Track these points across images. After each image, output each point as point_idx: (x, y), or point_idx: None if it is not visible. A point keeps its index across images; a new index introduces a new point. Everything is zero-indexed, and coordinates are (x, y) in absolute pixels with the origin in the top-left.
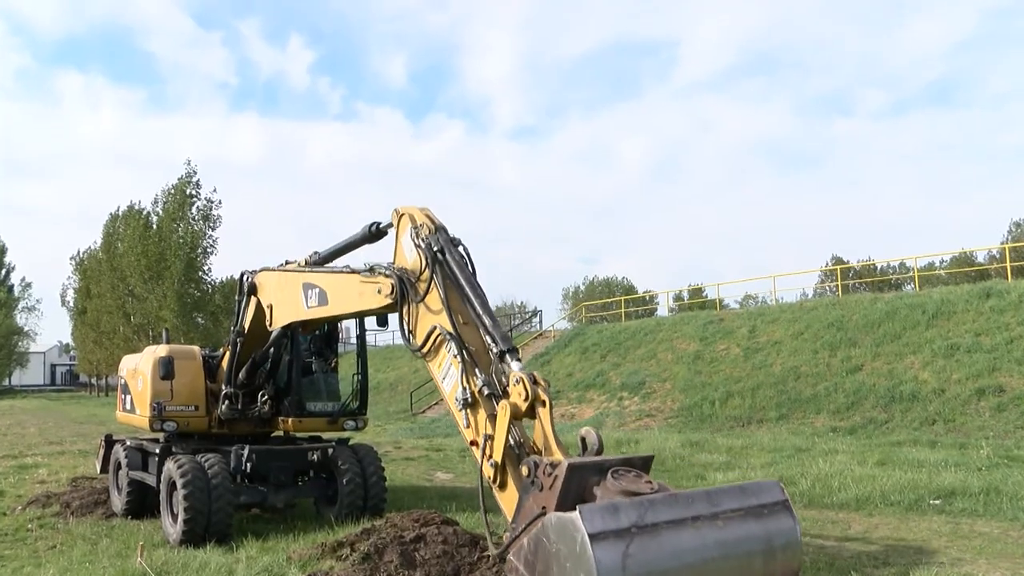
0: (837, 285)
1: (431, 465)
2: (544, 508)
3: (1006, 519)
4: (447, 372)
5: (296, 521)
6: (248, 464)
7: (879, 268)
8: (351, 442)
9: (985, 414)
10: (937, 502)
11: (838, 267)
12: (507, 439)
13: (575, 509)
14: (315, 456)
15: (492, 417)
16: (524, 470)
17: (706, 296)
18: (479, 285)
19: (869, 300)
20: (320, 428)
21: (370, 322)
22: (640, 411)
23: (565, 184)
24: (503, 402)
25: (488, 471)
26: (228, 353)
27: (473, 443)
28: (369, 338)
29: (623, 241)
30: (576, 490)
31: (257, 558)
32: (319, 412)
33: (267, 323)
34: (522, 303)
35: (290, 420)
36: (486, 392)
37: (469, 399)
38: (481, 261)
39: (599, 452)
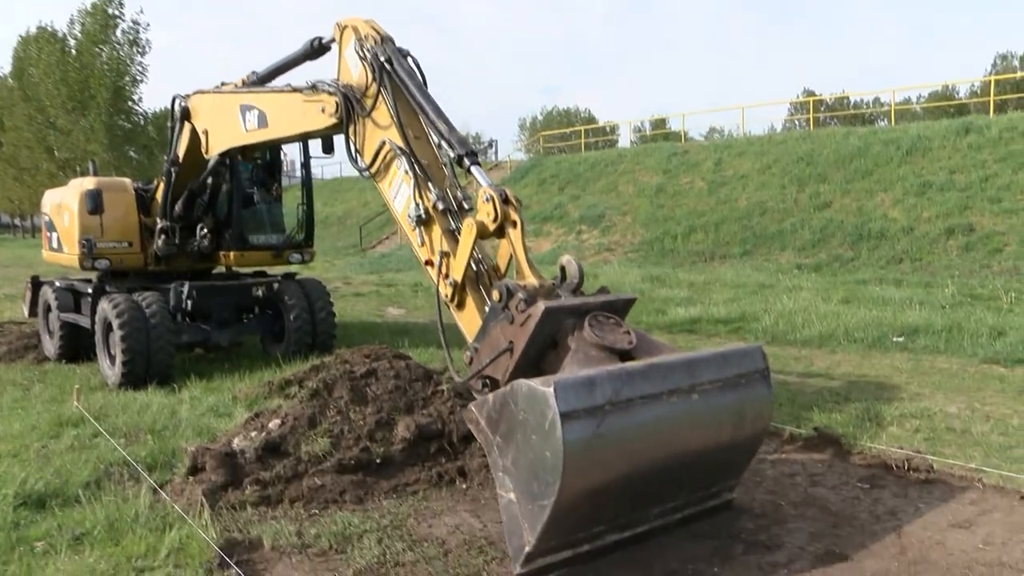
0: (808, 119)
1: (382, 301)
2: (512, 343)
3: (965, 355)
4: (398, 190)
5: (241, 360)
6: (188, 301)
7: (853, 102)
8: (298, 277)
9: (952, 253)
10: (900, 339)
11: (810, 99)
12: (469, 259)
13: (548, 380)
14: (260, 291)
15: (448, 233)
16: (496, 295)
17: (670, 128)
18: (431, 96)
19: (841, 134)
20: (264, 262)
21: (315, 150)
22: (599, 245)
23: (526, 10)
24: (468, 220)
25: (445, 290)
26: (162, 185)
27: (428, 262)
28: (316, 170)
29: (587, 72)
30: (549, 333)
31: (201, 398)
32: (263, 245)
33: (203, 150)
34: (476, 134)
35: (232, 254)
36: (441, 207)
37: (423, 215)
38: (432, 89)
39: (579, 286)
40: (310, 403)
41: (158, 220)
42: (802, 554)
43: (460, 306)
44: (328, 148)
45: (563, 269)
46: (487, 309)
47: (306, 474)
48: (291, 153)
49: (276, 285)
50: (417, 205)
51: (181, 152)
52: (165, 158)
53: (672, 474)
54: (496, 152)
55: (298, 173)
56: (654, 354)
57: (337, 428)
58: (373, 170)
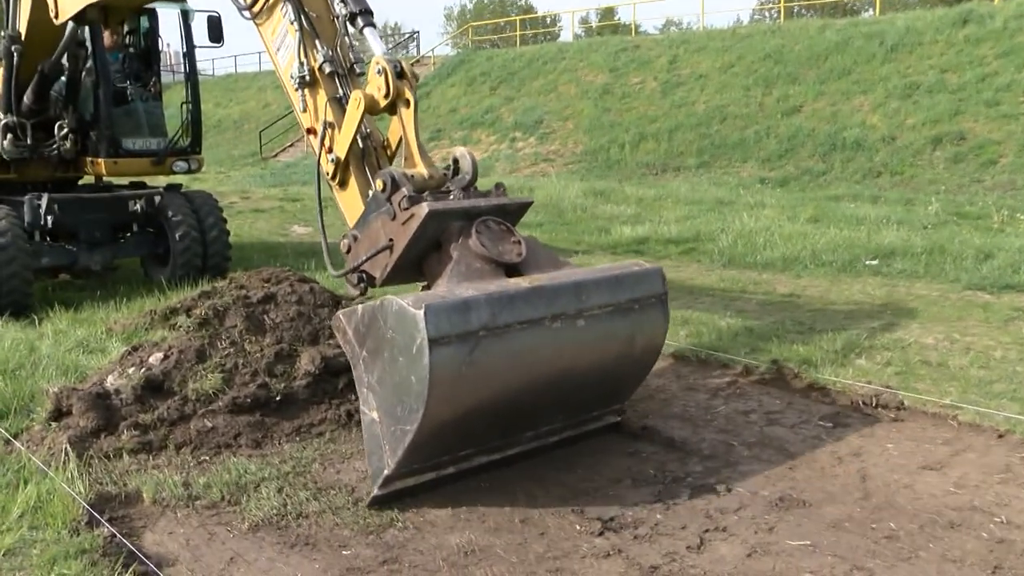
0: (779, 8)
1: (286, 218)
2: (392, 241)
3: (947, 280)
4: (282, 42)
5: (118, 287)
6: (48, 217)
7: None
8: (184, 189)
9: (939, 165)
10: (874, 263)
11: None
12: (355, 134)
13: (420, 300)
14: (138, 206)
15: (334, 101)
16: (379, 183)
17: (619, 19)
18: None
19: (816, 27)
20: (143, 171)
21: (201, 38)
22: (536, 155)
23: None
24: (356, 93)
25: (327, 166)
26: (3, 70)
27: (310, 131)
28: (206, 65)
29: None
30: (432, 236)
31: (68, 332)
32: (140, 151)
33: (52, 15)
34: (396, 24)
35: (102, 161)
36: (328, 70)
37: (307, 77)
38: None
39: (471, 183)
40: (198, 334)
41: (1, 115)
42: (755, 499)
43: (342, 185)
44: (216, 36)
45: (456, 162)
46: (370, 194)
47: (194, 415)
48: (173, 43)
49: (158, 199)
50: (301, 64)
51: (23, 23)
52: (2, 34)
53: (550, 400)
54: (418, 46)
55: (182, 69)
56: (544, 268)
57: (230, 362)
58: (255, 10)
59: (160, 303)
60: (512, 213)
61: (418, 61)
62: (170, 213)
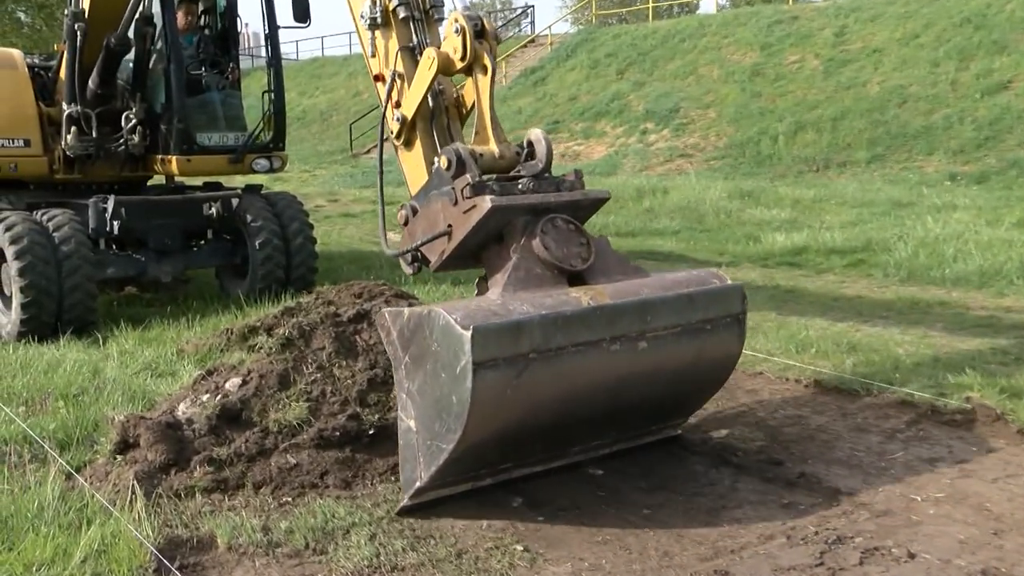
0: None
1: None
2: (451, 227)
3: None
4: None
5: (190, 301)
6: (115, 222)
7: None
8: (265, 190)
9: None
10: None
11: None
12: (426, 94)
13: (469, 318)
14: (214, 209)
15: (406, 50)
16: (444, 161)
17: None
18: None
19: None
20: (219, 170)
21: (285, 18)
22: (672, 149)
23: None
24: (429, 51)
25: (392, 123)
26: (66, 53)
27: (378, 78)
28: (288, 48)
29: None
30: (493, 229)
31: (135, 352)
32: (216, 147)
33: None
34: None
35: (173, 159)
36: (402, 15)
37: (379, 19)
38: None
39: (544, 171)
40: (281, 356)
41: (65, 105)
42: (947, 570)
43: (407, 145)
44: (302, 15)
45: (530, 145)
46: (436, 163)
47: (275, 450)
48: (252, 24)
49: (236, 201)
50: (374, 3)
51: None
52: (67, 12)
53: (601, 419)
54: (533, 23)
55: (262, 53)
56: (612, 276)
57: (317, 389)
58: None
59: (238, 320)
60: (585, 209)
61: (533, 41)
62: (249, 218)
